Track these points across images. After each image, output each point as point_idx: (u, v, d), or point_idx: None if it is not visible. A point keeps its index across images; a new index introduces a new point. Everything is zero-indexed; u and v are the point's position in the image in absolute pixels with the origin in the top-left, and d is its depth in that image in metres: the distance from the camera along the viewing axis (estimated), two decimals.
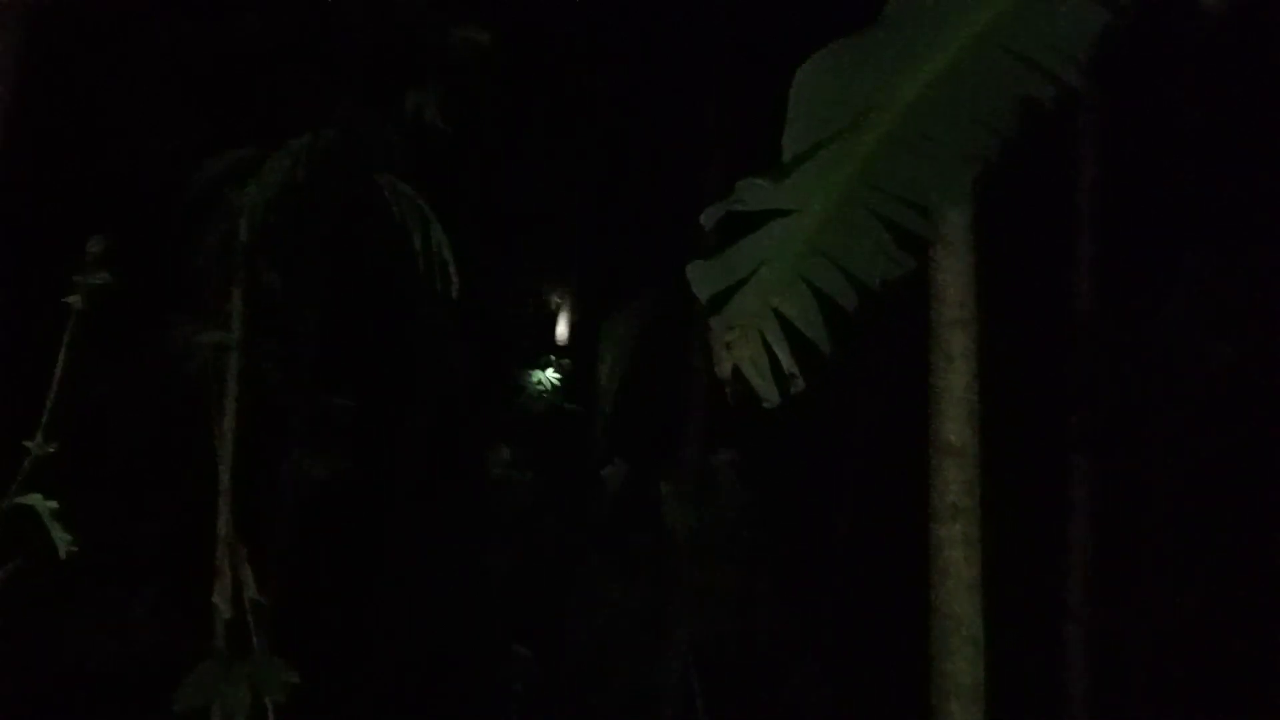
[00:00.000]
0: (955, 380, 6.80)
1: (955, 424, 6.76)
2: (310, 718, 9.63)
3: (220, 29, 11.34)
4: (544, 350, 15.54)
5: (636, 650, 11.77)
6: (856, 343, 7.16)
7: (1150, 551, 12.41)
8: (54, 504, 6.05)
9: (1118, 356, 11.90)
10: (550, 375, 14.93)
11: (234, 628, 8.85)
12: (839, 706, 11.36)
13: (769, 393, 5.37)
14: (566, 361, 15.28)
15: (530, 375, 14.95)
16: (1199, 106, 11.55)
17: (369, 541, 13.22)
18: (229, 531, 8.95)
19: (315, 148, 8.96)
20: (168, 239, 9.64)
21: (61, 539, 6.03)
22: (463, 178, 12.24)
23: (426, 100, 9.53)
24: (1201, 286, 11.72)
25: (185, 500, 9.86)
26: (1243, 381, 11.73)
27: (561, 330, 16.35)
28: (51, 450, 6.30)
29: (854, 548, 12.25)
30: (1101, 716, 11.67)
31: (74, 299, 6.54)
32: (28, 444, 6.31)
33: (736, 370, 5.33)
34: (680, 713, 12.08)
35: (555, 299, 16.22)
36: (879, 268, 5.17)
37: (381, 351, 13.11)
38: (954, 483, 6.69)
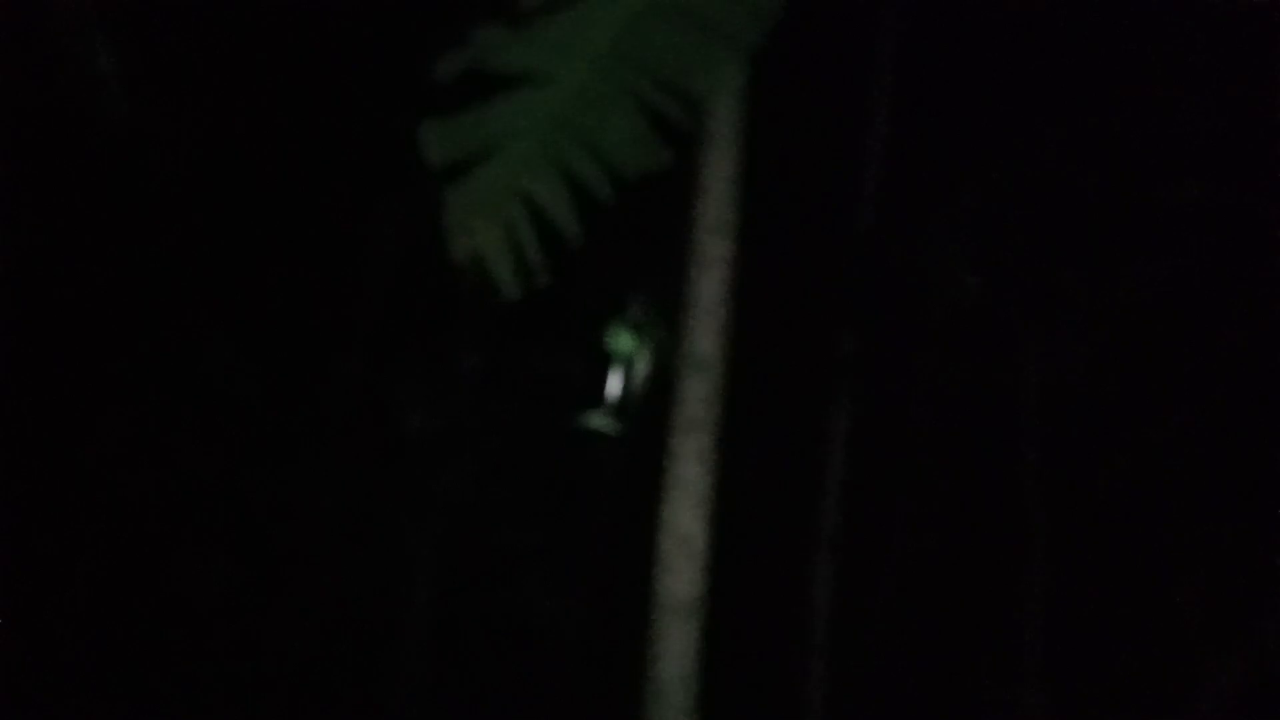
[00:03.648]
0: (709, 289, 6.47)
1: (704, 335, 6.44)
2: None
3: None
4: None
5: (367, 556, 11.24)
6: (611, 238, 6.82)
7: (904, 482, 12.39)
8: None
9: (892, 282, 11.76)
10: None
11: None
12: (567, 616, 11.10)
13: (510, 284, 4.97)
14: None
15: None
16: (1003, 27, 11.35)
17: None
18: None
19: None
20: None
21: None
22: None
23: None
24: (970, 219, 11.64)
25: None
26: (994, 320, 11.73)
27: None
28: None
29: (601, 459, 11.93)
30: (846, 647, 11.63)
31: None
32: None
33: (477, 256, 4.93)
34: (411, 620, 11.65)
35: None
36: (637, 157, 4.80)
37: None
38: (696, 395, 6.39)
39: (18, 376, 10.81)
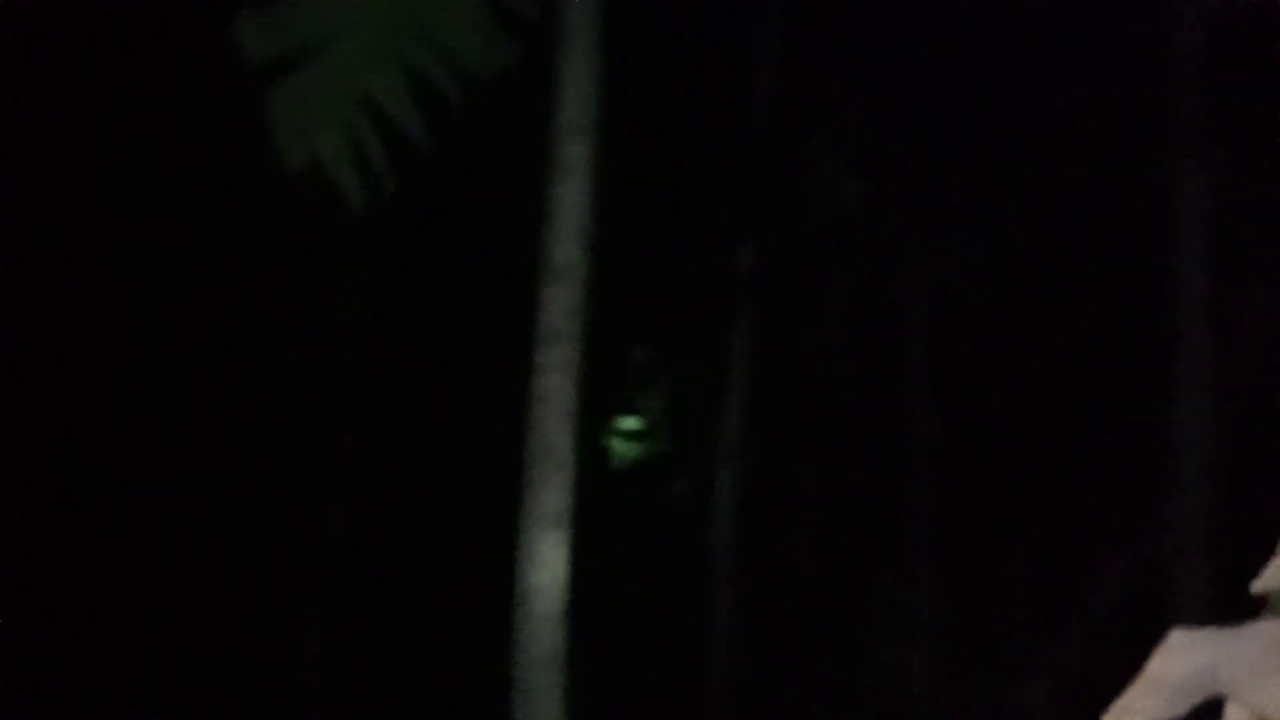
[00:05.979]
0: (568, 194, 6.27)
1: (564, 242, 6.25)
2: None
3: None
4: None
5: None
6: (466, 143, 6.58)
7: (806, 394, 12.26)
8: None
9: (785, 192, 11.51)
10: None
11: None
12: (431, 532, 10.90)
13: (354, 192, 4.75)
14: None
15: None
16: None
17: None
18: None
19: None
20: None
21: None
22: None
23: None
24: (853, 127, 11.39)
25: None
26: (878, 229, 11.59)
27: None
28: None
29: (462, 375, 11.66)
30: (746, 556, 11.54)
31: None
32: None
33: (315, 163, 4.69)
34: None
35: None
36: (483, 54, 4.58)
37: None
38: (557, 305, 6.22)
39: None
